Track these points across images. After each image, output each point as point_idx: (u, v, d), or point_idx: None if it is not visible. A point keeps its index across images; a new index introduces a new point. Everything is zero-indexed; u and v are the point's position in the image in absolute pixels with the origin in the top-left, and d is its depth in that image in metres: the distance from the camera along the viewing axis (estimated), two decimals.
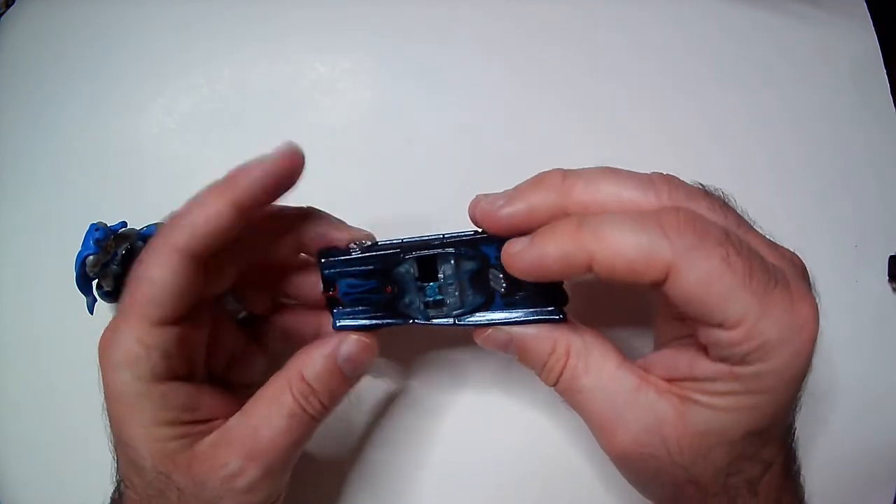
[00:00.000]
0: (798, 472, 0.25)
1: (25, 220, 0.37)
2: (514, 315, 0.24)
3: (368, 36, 0.38)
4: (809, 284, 0.22)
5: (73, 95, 0.39)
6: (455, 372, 0.32)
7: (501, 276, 0.24)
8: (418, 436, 0.32)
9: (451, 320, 0.25)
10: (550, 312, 0.24)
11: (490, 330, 0.25)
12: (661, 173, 0.22)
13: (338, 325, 0.26)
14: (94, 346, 0.34)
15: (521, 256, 0.21)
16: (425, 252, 0.25)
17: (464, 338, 0.32)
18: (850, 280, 0.33)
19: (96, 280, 0.31)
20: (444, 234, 0.25)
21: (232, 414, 0.24)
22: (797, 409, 0.24)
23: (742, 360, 0.20)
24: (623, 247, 0.20)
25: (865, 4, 0.37)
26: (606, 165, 0.23)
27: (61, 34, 0.40)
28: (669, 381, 0.23)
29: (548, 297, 0.24)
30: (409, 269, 0.25)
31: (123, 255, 0.32)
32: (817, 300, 0.21)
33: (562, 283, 0.24)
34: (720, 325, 0.20)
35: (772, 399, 0.21)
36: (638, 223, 0.20)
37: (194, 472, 0.22)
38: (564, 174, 0.22)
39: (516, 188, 0.23)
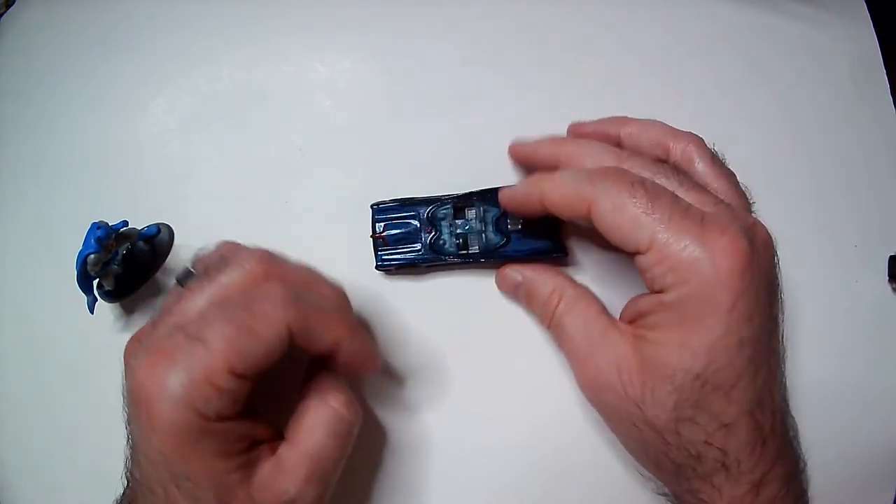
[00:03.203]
0: (796, 470, 0.26)
1: (25, 220, 0.37)
2: (526, 248, 0.31)
3: (368, 36, 0.38)
4: (746, 231, 0.24)
5: (73, 95, 0.39)
6: (455, 372, 0.32)
7: (519, 220, 0.32)
8: (418, 436, 0.32)
9: (477, 252, 0.32)
10: (553, 249, 0.32)
11: (507, 269, 0.31)
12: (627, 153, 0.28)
13: (381, 261, 0.33)
14: (94, 345, 0.34)
15: (504, 193, 0.30)
16: (460, 198, 0.32)
17: (463, 338, 0.33)
18: (850, 280, 0.33)
19: (97, 279, 0.31)
20: (471, 191, 0.32)
21: (267, 431, 0.24)
22: (779, 394, 0.25)
23: (664, 287, 0.24)
24: (561, 187, 0.27)
25: (865, 4, 0.37)
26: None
27: (61, 34, 0.40)
28: (632, 322, 0.27)
29: (549, 238, 0.32)
30: (446, 212, 0.32)
31: (124, 255, 0.32)
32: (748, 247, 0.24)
33: (559, 231, 0.32)
34: (637, 251, 0.25)
35: (700, 333, 0.24)
36: (576, 174, 0.27)
37: (256, 501, 0.23)
38: (563, 141, 0.31)
39: (538, 139, 0.32)
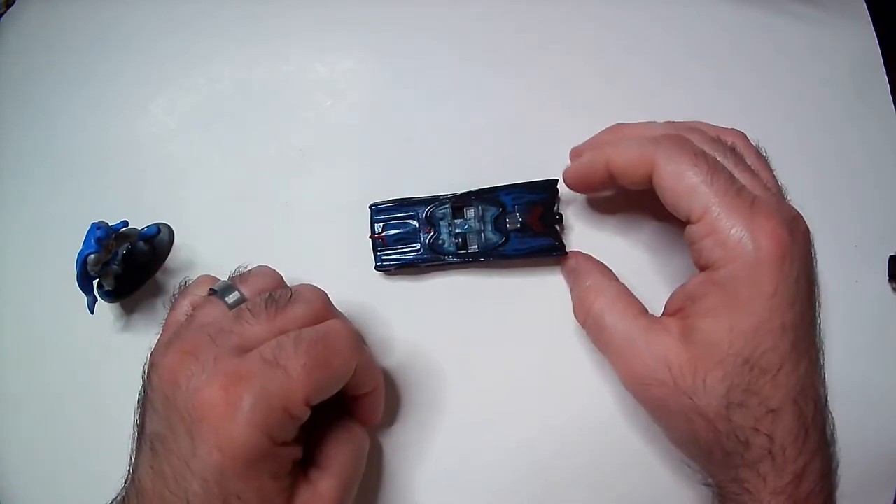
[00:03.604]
0: (830, 468, 0.26)
1: (25, 220, 0.37)
2: (524, 247, 0.31)
3: (369, 36, 0.38)
4: (790, 220, 0.25)
5: (73, 95, 0.39)
6: (454, 372, 0.32)
7: (518, 215, 0.32)
8: (418, 437, 0.32)
9: (476, 251, 0.32)
10: (553, 247, 0.32)
11: (570, 258, 0.32)
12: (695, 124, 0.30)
13: (380, 262, 0.33)
14: (94, 345, 0.34)
15: (568, 170, 0.31)
16: (458, 198, 0.32)
17: (463, 339, 0.32)
18: (850, 280, 0.33)
19: (97, 279, 0.31)
20: (469, 190, 0.33)
21: (300, 453, 0.25)
22: (820, 384, 0.26)
23: (710, 261, 0.25)
24: (626, 151, 0.28)
25: (865, 4, 0.37)
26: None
27: (61, 34, 0.40)
28: (679, 311, 0.27)
29: (551, 238, 0.32)
30: (444, 212, 0.32)
31: (124, 255, 0.32)
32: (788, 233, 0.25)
33: (557, 230, 0.32)
34: (689, 219, 0.26)
35: (748, 315, 0.24)
36: (641, 139, 0.27)
37: None
38: (622, 126, 0.32)
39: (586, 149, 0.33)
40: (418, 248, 0.32)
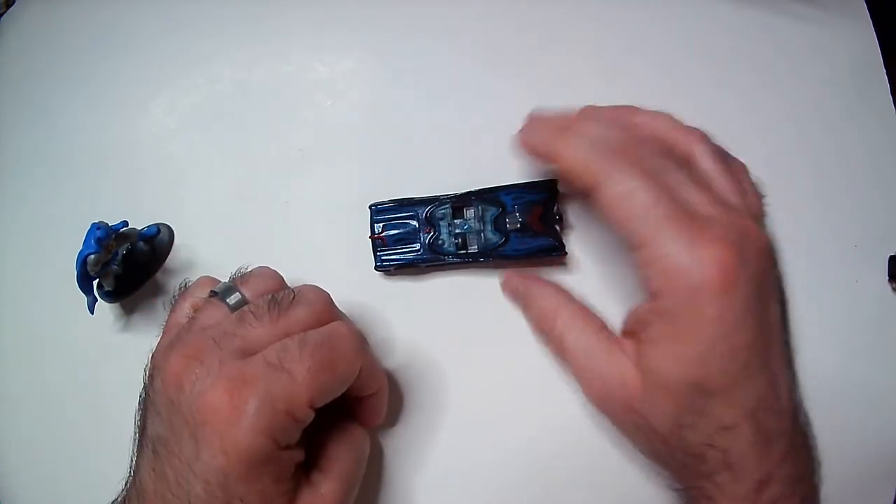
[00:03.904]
0: (806, 472, 0.26)
1: (25, 220, 0.37)
2: (524, 247, 0.31)
3: (369, 36, 0.38)
4: (740, 238, 0.25)
5: (73, 95, 0.39)
6: (454, 372, 0.32)
7: (518, 215, 0.32)
8: (418, 437, 0.32)
9: (476, 251, 0.32)
10: (554, 248, 0.31)
11: (509, 277, 0.32)
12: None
13: (380, 262, 0.33)
14: (94, 345, 0.34)
15: (523, 134, 0.30)
16: (458, 198, 0.32)
17: (463, 339, 0.32)
18: (850, 280, 0.33)
19: (97, 279, 0.31)
20: (469, 190, 0.32)
21: (303, 455, 0.25)
22: (786, 395, 0.26)
23: (655, 290, 0.25)
24: (575, 153, 0.27)
25: (865, 4, 0.37)
26: None
27: (61, 34, 0.40)
28: (632, 333, 0.27)
29: (551, 238, 0.32)
30: (444, 212, 0.32)
31: (124, 255, 0.32)
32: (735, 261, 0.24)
33: (559, 229, 0.32)
34: (631, 246, 0.25)
35: (692, 343, 0.24)
36: (594, 144, 0.26)
37: None
38: (576, 116, 0.31)
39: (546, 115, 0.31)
40: (418, 248, 0.32)
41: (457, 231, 0.32)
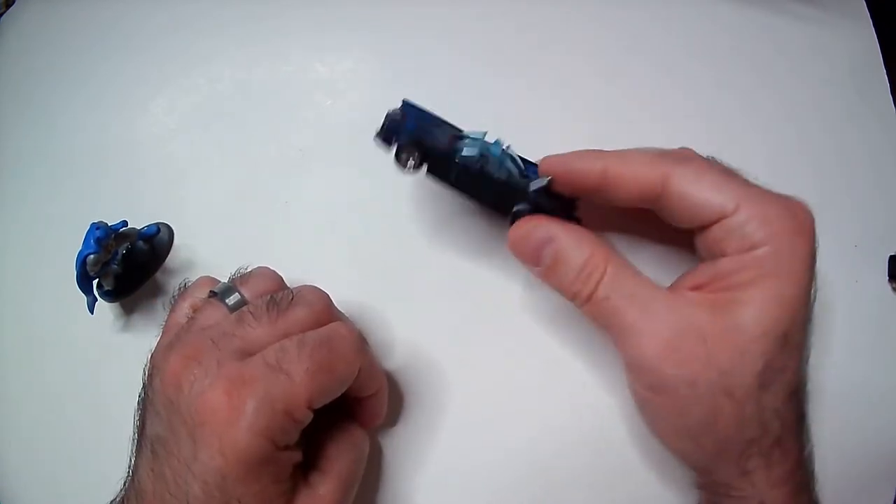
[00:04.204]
0: (810, 452, 0.26)
1: (25, 220, 0.37)
2: (542, 200, 0.27)
3: (369, 36, 0.38)
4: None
5: (73, 95, 0.39)
6: (454, 372, 0.32)
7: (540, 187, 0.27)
8: (418, 437, 0.32)
9: (494, 177, 0.27)
10: (571, 215, 0.28)
11: (531, 224, 0.27)
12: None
13: (385, 131, 0.28)
14: (94, 345, 0.34)
15: (552, 158, 0.28)
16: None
17: (463, 339, 0.32)
18: (850, 280, 0.33)
19: (97, 279, 0.31)
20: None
21: (301, 456, 0.25)
22: (809, 328, 0.26)
23: (755, 242, 0.24)
24: (632, 161, 0.26)
25: (865, 4, 0.37)
26: None
27: (61, 34, 0.40)
28: (701, 287, 0.25)
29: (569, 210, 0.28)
30: (475, 141, 0.28)
31: (124, 255, 0.32)
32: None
33: (575, 208, 0.28)
34: (723, 216, 0.24)
35: (792, 284, 0.24)
36: (646, 152, 0.27)
37: None
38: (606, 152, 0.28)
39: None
40: (433, 146, 0.27)
41: (480, 152, 0.27)
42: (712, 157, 0.28)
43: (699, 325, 0.24)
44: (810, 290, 0.25)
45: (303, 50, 0.38)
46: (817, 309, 0.32)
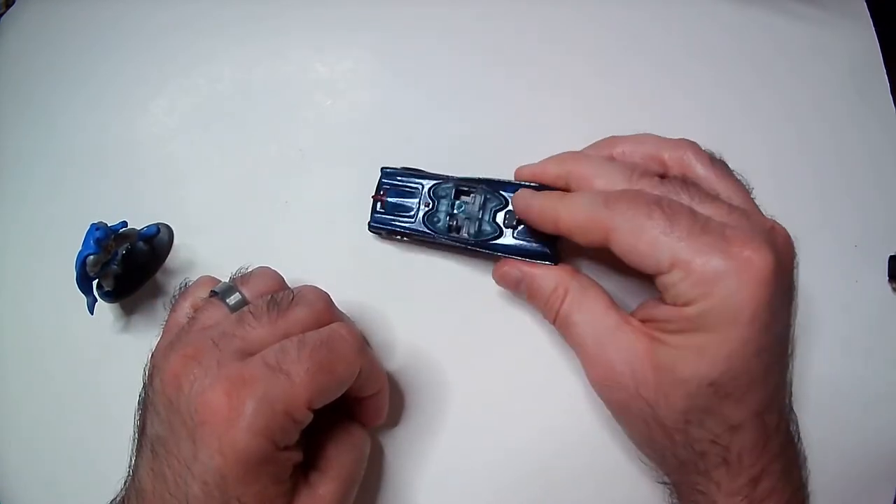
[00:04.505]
0: (795, 464, 0.26)
1: (25, 220, 0.37)
2: (516, 245, 0.31)
3: (369, 36, 0.38)
4: (767, 237, 0.24)
5: (73, 95, 0.39)
6: (454, 372, 0.32)
7: (515, 217, 0.31)
8: (417, 438, 0.32)
9: (466, 237, 0.31)
10: (546, 255, 0.30)
11: (506, 267, 0.31)
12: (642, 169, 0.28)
13: (375, 222, 0.33)
14: (94, 346, 0.34)
15: (519, 201, 0.29)
16: (465, 181, 0.32)
17: (463, 339, 0.32)
18: (850, 280, 0.33)
19: (97, 280, 0.31)
20: (481, 177, 0.32)
21: (301, 456, 0.25)
22: (786, 393, 0.26)
23: (688, 301, 0.24)
24: (577, 213, 0.26)
25: (865, 4, 0.37)
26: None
27: (61, 34, 0.40)
28: (648, 321, 0.27)
29: (545, 243, 0.30)
30: (448, 191, 0.32)
31: (124, 255, 0.32)
32: (773, 260, 0.23)
33: (557, 239, 0.30)
34: (660, 272, 0.25)
35: (719, 341, 0.24)
36: (591, 199, 0.26)
37: None
38: (572, 160, 0.30)
39: (546, 158, 0.31)
40: (413, 219, 0.32)
41: (454, 212, 0.32)
42: (714, 154, 0.28)
43: (633, 358, 0.26)
44: (755, 344, 0.23)
45: (303, 50, 0.38)
46: (819, 309, 0.32)
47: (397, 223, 0.32)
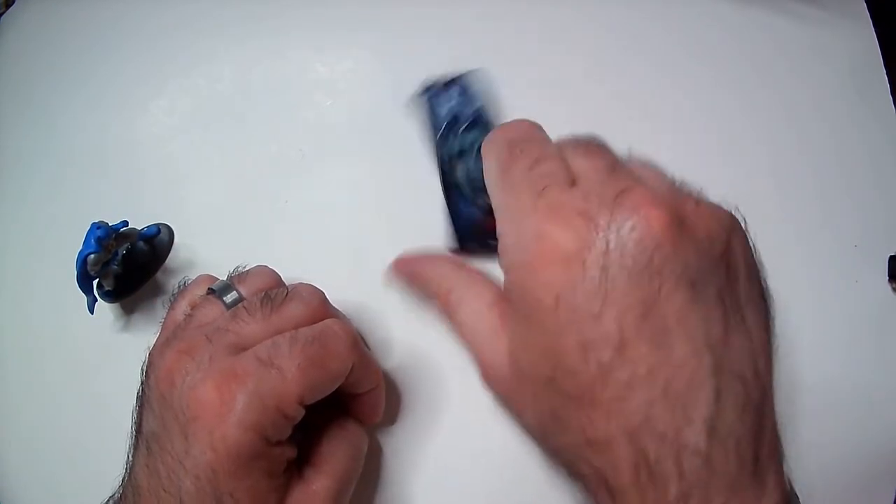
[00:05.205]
0: None
1: (25, 220, 0.37)
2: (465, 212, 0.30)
3: (369, 36, 0.38)
4: (592, 205, 0.20)
5: (73, 95, 0.39)
6: (453, 372, 0.32)
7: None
8: (416, 436, 0.32)
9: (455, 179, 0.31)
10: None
11: (396, 263, 0.29)
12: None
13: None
14: (94, 345, 0.34)
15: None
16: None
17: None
18: (850, 280, 0.33)
19: (97, 279, 0.31)
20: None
21: (295, 452, 0.25)
22: (691, 412, 0.18)
23: (503, 272, 0.22)
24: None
25: (865, 4, 0.37)
26: None
27: (61, 34, 0.40)
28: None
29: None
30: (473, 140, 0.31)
31: (124, 255, 0.32)
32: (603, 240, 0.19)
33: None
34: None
35: (536, 331, 0.20)
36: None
37: None
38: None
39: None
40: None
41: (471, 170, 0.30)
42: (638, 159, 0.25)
43: (497, 357, 0.23)
44: (573, 336, 0.19)
45: (303, 50, 0.38)
46: (819, 309, 0.32)
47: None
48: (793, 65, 0.37)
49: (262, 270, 0.28)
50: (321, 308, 0.27)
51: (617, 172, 0.22)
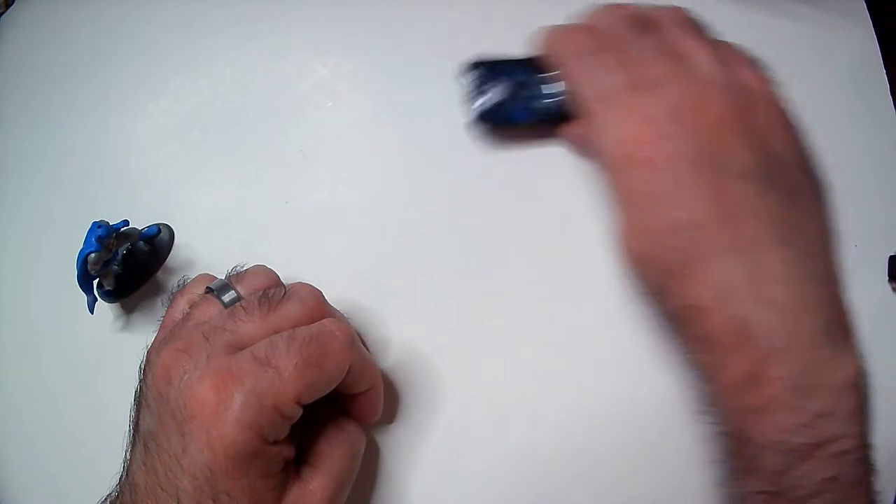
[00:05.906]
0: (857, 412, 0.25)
1: (25, 220, 0.37)
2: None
3: (369, 38, 0.38)
4: (688, 116, 0.25)
5: (73, 95, 0.39)
6: (452, 372, 0.32)
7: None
8: (415, 436, 0.32)
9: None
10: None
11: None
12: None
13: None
14: (94, 345, 0.34)
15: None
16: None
17: (463, 339, 0.32)
18: (850, 280, 0.33)
19: (97, 279, 0.31)
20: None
21: (293, 451, 0.25)
22: (778, 269, 0.24)
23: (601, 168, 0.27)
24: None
25: (865, 4, 0.37)
26: None
27: (61, 34, 0.40)
28: None
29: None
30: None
31: (125, 255, 0.32)
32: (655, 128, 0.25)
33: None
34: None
35: (635, 215, 0.26)
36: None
37: None
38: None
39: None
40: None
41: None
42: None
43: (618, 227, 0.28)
44: (665, 217, 0.25)
45: (303, 51, 0.38)
46: None
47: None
48: (792, 65, 0.37)
49: (261, 270, 0.28)
50: (319, 307, 0.27)
51: (693, 69, 0.27)
